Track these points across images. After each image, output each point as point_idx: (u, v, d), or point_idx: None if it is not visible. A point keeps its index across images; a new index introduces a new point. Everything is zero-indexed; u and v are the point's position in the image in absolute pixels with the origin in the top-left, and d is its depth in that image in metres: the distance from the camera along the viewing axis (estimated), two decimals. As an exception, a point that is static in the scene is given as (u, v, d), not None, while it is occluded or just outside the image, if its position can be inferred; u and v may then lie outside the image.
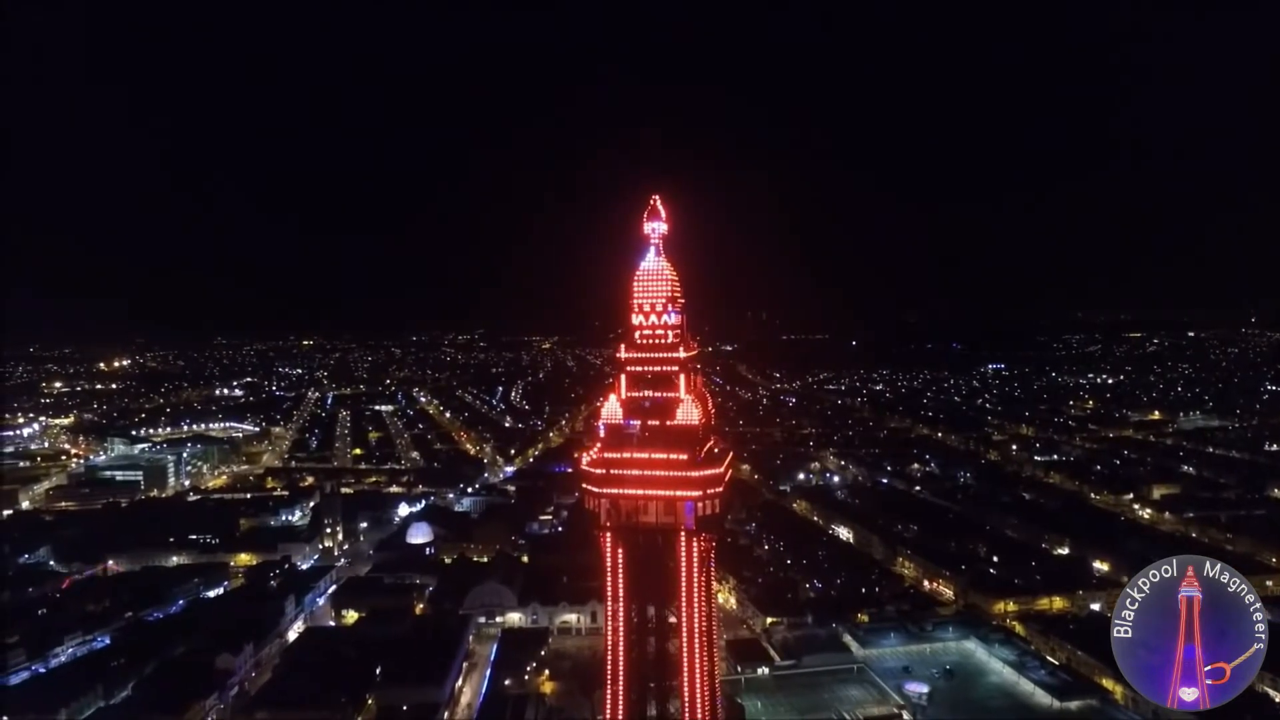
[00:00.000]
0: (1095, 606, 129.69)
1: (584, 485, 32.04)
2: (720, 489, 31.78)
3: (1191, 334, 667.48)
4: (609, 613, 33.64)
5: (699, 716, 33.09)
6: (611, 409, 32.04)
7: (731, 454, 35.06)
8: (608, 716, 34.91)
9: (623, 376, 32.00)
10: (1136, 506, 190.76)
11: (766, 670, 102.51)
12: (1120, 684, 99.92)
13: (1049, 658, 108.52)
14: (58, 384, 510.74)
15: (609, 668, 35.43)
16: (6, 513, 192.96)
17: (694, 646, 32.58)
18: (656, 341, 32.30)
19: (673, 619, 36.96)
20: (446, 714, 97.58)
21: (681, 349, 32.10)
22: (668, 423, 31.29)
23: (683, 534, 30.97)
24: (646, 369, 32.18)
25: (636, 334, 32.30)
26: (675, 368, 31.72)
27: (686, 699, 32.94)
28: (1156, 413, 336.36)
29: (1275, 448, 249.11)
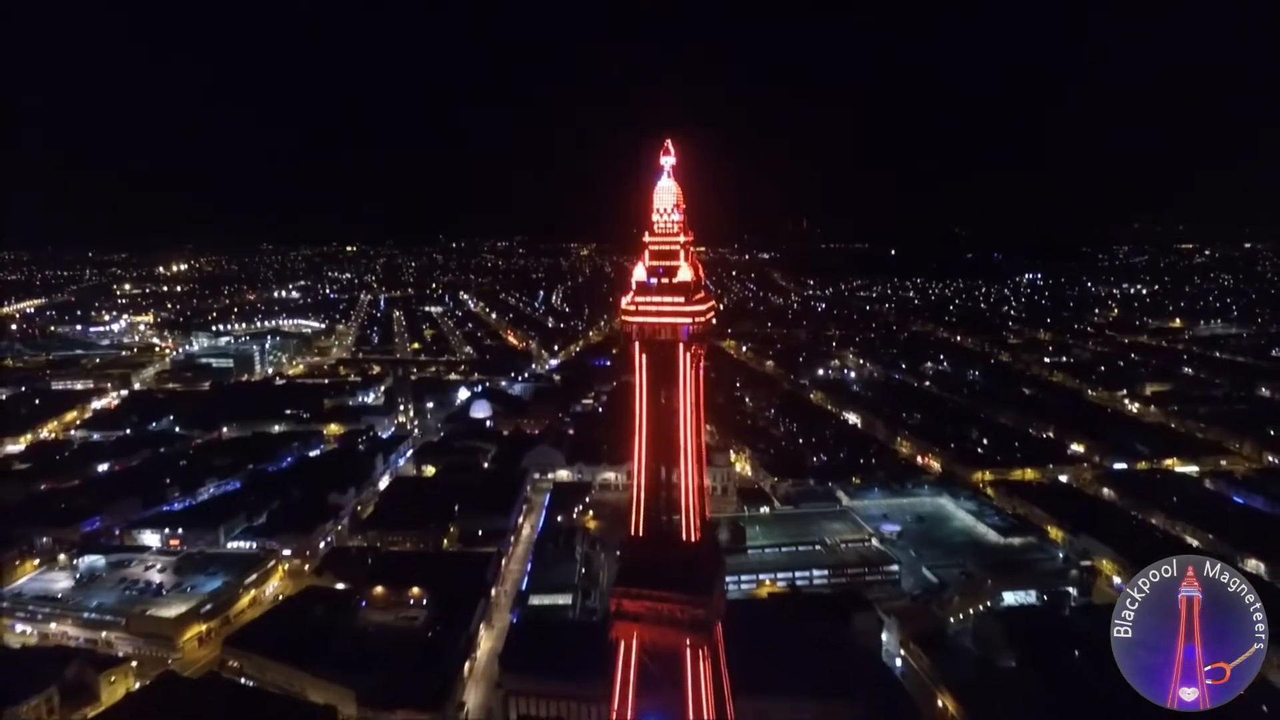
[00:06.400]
0: (1063, 478, 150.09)
1: (622, 317, 52.33)
2: (704, 319, 51.94)
3: (1248, 245, 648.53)
4: (636, 400, 54.18)
5: (690, 477, 53.50)
6: (639, 271, 52.15)
7: (713, 301, 55.43)
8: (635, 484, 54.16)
9: (646, 252, 52.30)
10: (1127, 401, 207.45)
11: (768, 509, 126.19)
12: (1062, 531, 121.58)
13: (1010, 513, 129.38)
14: (127, 285, 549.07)
15: (635, 452, 55.39)
16: (124, 392, 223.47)
17: (686, 423, 52.87)
18: (666, 230, 52.23)
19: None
20: (512, 538, 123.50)
21: (681, 235, 51.82)
22: (672, 280, 51.35)
23: (681, 345, 51.63)
24: (660, 247, 52.36)
25: (654, 225, 52.08)
26: (677, 246, 51.74)
27: (680, 457, 53.16)
28: (1177, 320, 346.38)
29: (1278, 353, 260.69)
